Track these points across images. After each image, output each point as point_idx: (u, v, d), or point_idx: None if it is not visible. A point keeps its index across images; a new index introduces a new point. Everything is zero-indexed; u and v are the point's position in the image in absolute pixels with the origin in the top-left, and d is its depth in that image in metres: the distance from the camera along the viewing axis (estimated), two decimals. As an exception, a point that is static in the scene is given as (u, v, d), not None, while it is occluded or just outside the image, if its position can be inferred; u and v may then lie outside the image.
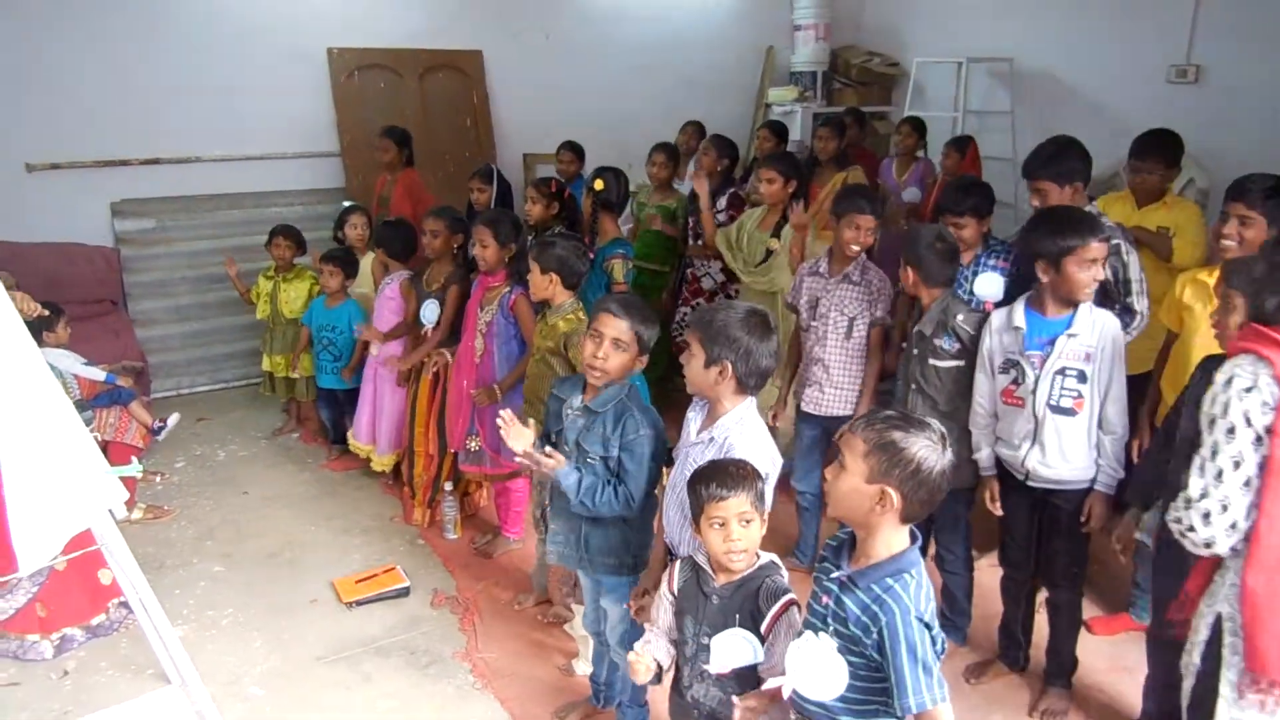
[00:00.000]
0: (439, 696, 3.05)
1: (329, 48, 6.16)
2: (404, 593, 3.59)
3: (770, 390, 3.74)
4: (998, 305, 3.00)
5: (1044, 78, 6.60)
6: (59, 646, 3.20)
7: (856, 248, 3.38)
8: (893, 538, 1.76)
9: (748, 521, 1.97)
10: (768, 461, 2.19)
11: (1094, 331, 2.65)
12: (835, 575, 1.80)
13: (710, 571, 2.06)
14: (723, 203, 4.81)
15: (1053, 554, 2.89)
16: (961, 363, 2.95)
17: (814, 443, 3.58)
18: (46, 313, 3.65)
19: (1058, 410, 2.70)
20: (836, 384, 3.46)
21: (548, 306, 3.21)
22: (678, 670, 2.19)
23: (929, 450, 1.70)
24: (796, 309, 3.59)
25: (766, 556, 2.07)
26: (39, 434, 2.06)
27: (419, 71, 6.49)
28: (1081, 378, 2.66)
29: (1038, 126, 6.50)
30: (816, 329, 3.48)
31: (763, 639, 1.97)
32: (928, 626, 1.70)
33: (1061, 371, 2.67)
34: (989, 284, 3.25)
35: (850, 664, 1.74)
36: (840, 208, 3.44)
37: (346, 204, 5.13)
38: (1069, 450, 2.71)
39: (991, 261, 3.38)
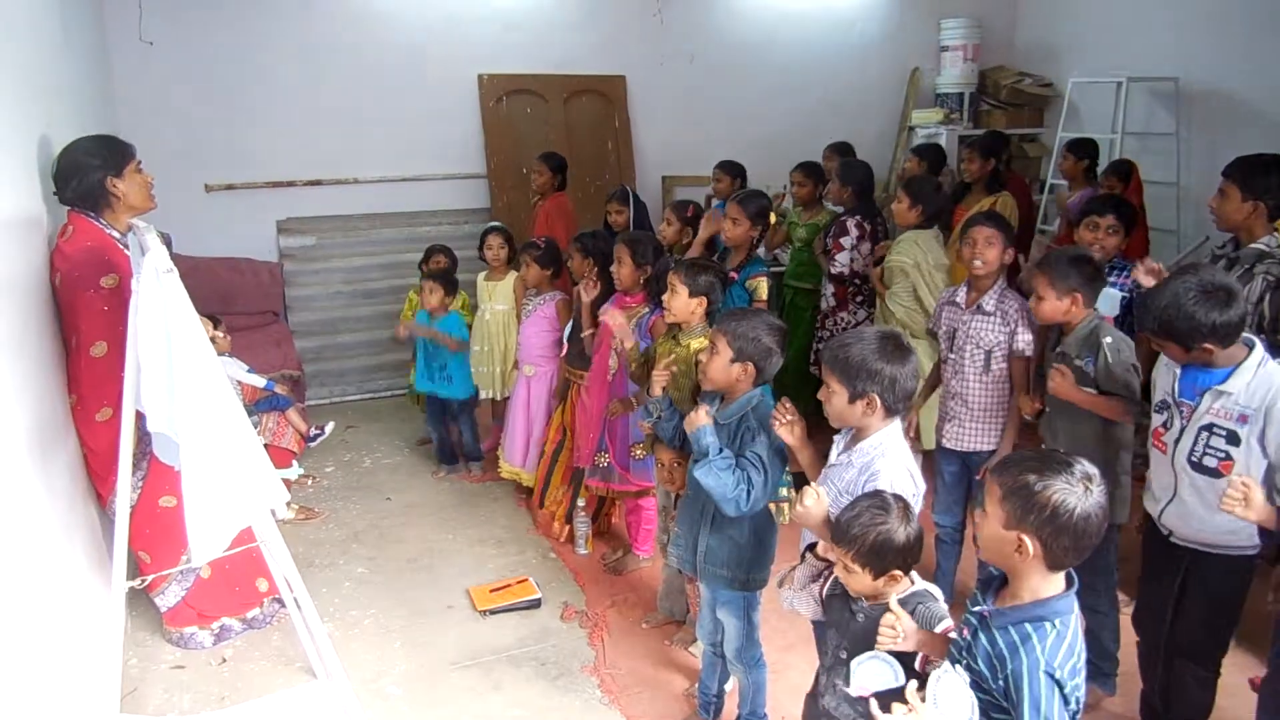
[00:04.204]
0: (566, 709, 3.09)
1: (480, 74, 6.41)
2: (536, 604, 3.66)
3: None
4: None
5: (1215, 97, 6.20)
6: (218, 635, 3.41)
7: (979, 263, 3.27)
8: (1040, 583, 1.68)
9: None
10: (911, 485, 2.18)
11: (1255, 393, 2.35)
12: (977, 609, 1.75)
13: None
14: (851, 226, 4.71)
15: (1186, 622, 2.61)
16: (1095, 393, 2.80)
17: (955, 478, 3.47)
18: (221, 335, 3.92)
19: (1199, 469, 2.47)
20: (977, 419, 3.33)
21: (679, 328, 3.23)
22: (815, 677, 2.21)
23: (1067, 493, 1.61)
24: (937, 337, 3.50)
25: (921, 584, 2.04)
26: (215, 437, 2.22)
27: (564, 96, 6.67)
28: (1232, 439, 2.39)
29: (1206, 150, 6.14)
30: (954, 361, 3.36)
31: (918, 672, 1.91)
32: (1059, 684, 1.61)
33: (1209, 428, 2.43)
34: (1106, 301, 3.08)
35: (979, 700, 1.68)
36: (962, 231, 3.39)
37: (493, 224, 5.31)
38: (1202, 513, 2.47)
39: (1111, 278, 3.24)
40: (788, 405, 2.42)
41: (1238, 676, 3.16)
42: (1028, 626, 1.65)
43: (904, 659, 1.94)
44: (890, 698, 1.96)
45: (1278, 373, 2.37)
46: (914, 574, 2.05)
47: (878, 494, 2.04)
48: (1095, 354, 2.81)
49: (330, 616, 3.58)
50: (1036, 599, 1.67)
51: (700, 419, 2.48)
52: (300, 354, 5.75)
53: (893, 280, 4.19)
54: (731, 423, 2.55)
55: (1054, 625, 1.65)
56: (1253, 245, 3.14)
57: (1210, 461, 2.44)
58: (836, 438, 2.38)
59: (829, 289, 4.84)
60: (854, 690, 1.95)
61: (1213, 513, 2.43)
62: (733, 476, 2.45)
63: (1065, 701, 1.62)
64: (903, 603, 1.97)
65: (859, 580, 1.98)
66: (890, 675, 1.93)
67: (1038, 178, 7.18)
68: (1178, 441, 2.51)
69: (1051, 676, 1.61)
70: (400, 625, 3.57)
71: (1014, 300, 3.29)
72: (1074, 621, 1.67)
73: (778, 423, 2.40)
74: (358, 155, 6.19)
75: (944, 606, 1.98)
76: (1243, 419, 2.37)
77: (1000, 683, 1.65)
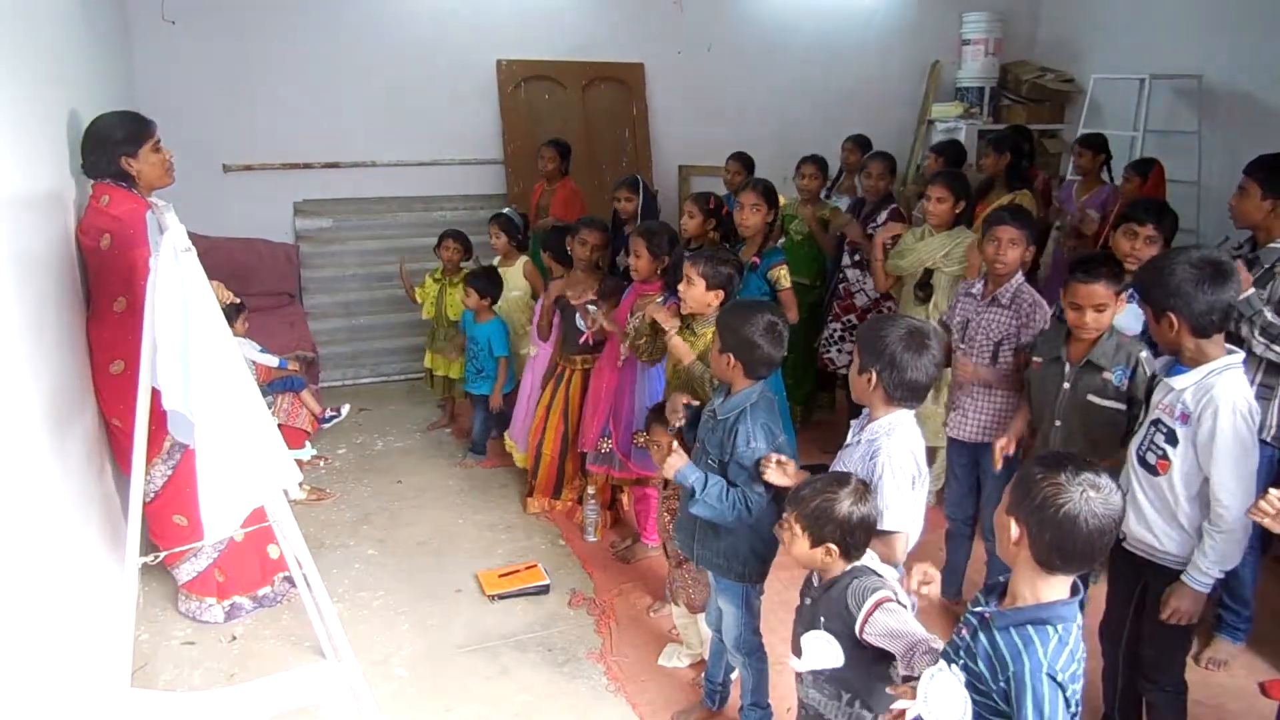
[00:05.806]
0: (572, 695, 3.10)
1: (498, 59, 6.41)
2: (544, 590, 3.68)
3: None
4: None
5: (1238, 97, 6.14)
6: (229, 612, 3.44)
7: (1000, 264, 3.25)
8: (1039, 584, 1.68)
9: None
10: (912, 466, 2.23)
11: (1198, 394, 2.28)
12: (978, 610, 1.76)
13: (813, 573, 2.17)
14: (883, 217, 4.71)
15: (1141, 637, 2.53)
16: (1122, 407, 2.74)
17: (965, 470, 3.46)
18: (239, 300, 3.93)
19: (1142, 463, 2.43)
20: (981, 409, 3.33)
21: (692, 317, 3.21)
22: None
23: (1060, 490, 1.61)
24: (949, 329, 3.48)
25: (865, 560, 2.10)
26: (230, 416, 2.23)
27: (582, 83, 6.66)
28: (1171, 439, 2.34)
29: (1227, 149, 6.08)
30: (965, 351, 3.36)
31: (861, 642, 1.97)
32: (1060, 686, 1.61)
33: (1156, 423, 2.39)
34: (1127, 316, 2.90)
35: (975, 701, 1.68)
36: (984, 225, 3.36)
37: (496, 213, 5.31)
38: (1150, 515, 2.42)
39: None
40: (771, 455, 2.46)
41: (1246, 680, 3.15)
42: (1030, 629, 1.64)
43: (851, 639, 1.99)
44: (834, 679, 2.04)
45: (1224, 384, 2.26)
46: (869, 554, 2.12)
47: (843, 474, 2.15)
48: (1127, 365, 2.73)
49: (340, 597, 3.60)
50: (1038, 602, 1.67)
51: (676, 462, 2.50)
52: (315, 336, 5.77)
53: (941, 280, 4.06)
54: (730, 418, 2.55)
55: (1055, 630, 1.64)
56: (1271, 245, 3.11)
57: (1151, 458, 2.41)
58: (854, 423, 2.43)
59: (868, 282, 4.70)
60: (801, 666, 2.02)
61: (1157, 515, 2.40)
62: (726, 501, 2.48)
63: (1067, 704, 1.62)
64: (837, 580, 2.06)
65: (799, 544, 2.08)
66: (832, 654, 1.99)
67: (1057, 173, 7.12)
68: (1133, 432, 2.51)
69: (1054, 679, 1.60)
70: (409, 607, 3.59)
71: (1029, 296, 3.27)
72: (1075, 630, 1.66)
73: (768, 470, 2.44)
74: (375, 138, 6.21)
75: (880, 580, 2.02)
76: (1183, 418, 2.32)
77: (1001, 684, 1.65)
